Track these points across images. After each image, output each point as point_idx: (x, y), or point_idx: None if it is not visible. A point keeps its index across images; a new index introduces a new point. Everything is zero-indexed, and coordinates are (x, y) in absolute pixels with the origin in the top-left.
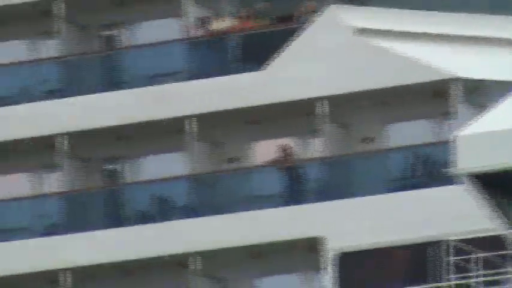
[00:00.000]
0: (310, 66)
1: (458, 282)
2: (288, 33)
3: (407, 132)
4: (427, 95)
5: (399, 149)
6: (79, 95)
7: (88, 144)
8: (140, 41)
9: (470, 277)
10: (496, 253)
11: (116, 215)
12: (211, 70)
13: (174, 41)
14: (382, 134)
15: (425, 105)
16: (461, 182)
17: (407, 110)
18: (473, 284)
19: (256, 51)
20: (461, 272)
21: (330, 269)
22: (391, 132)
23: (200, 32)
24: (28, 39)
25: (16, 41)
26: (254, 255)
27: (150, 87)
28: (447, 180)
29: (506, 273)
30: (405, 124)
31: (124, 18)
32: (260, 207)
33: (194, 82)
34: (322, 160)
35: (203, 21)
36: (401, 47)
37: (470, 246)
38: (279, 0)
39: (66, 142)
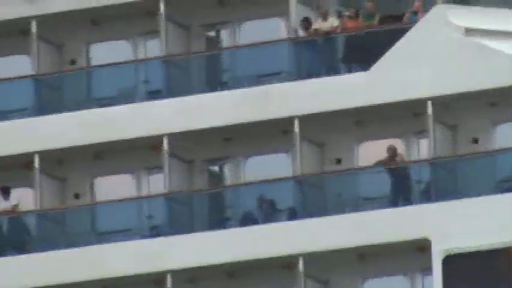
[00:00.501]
0: (417, 67)
1: None
2: (395, 33)
3: None
4: None
5: (507, 150)
6: (182, 95)
7: (192, 146)
8: (243, 41)
9: None
10: None
11: (220, 216)
12: (317, 70)
13: (279, 41)
14: (490, 134)
15: None
16: None
17: None
18: None
19: (362, 52)
20: None
21: (436, 270)
22: (499, 133)
23: (305, 32)
24: (132, 39)
25: (121, 41)
26: (360, 257)
27: (254, 88)
28: None
29: None
30: None
31: (227, 18)
32: (366, 209)
33: (299, 83)
34: (429, 161)
35: (308, 21)
36: (508, 46)
37: None
38: (386, 0)
39: (169, 143)
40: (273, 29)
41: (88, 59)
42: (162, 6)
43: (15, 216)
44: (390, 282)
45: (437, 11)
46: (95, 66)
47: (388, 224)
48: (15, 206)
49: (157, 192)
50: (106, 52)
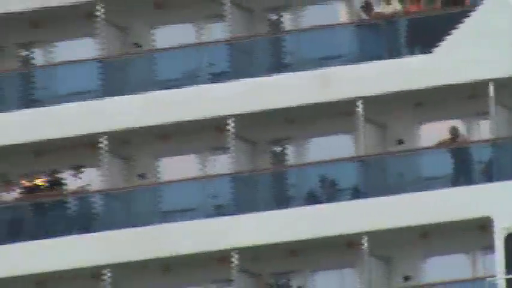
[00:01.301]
0: (478, 49)
1: None
2: (456, 16)
3: None
4: None
5: None
6: (246, 78)
7: (255, 127)
8: (304, 25)
9: None
10: None
11: (283, 196)
12: (380, 53)
13: (342, 24)
14: None
15: None
16: None
17: None
18: None
19: (424, 34)
20: None
21: (498, 248)
22: None
23: (367, 16)
24: (196, 22)
25: (184, 25)
26: (422, 235)
27: (317, 70)
28: None
29: None
30: None
31: (289, 2)
32: (428, 189)
33: (361, 65)
34: (490, 142)
35: (370, 5)
36: None
37: None
38: None
39: (233, 124)
40: (333, 13)
41: (152, 42)
42: None
43: (82, 195)
44: (452, 260)
45: None
46: (159, 49)
47: (450, 203)
48: (85, 186)
49: (222, 172)
50: (170, 35)
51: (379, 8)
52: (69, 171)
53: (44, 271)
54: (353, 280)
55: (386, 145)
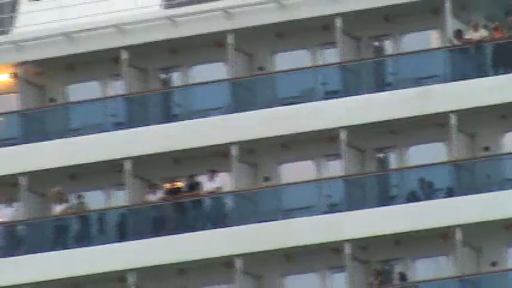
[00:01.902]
0: None
1: None
2: None
3: None
4: None
5: None
6: (355, 95)
7: (363, 137)
8: (404, 50)
9: None
10: None
11: (387, 195)
12: (469, 73)
13: (435, 49)
14: None
15: None
16: None
17: None
18: None
19: (507, 57)
20: None
21: None
22: None
23: (459, 41)
24: (311, 48)
25: (301, 50)
26: (506, 227)
27: (416, 88)
28: None
29: None
30: None
31: (391, 30)
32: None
33: (454, 83)
34: None
35: (460, 32)
36: None
37: None
38: None
39: (344, 135)
40: (426, 39)
41: (274, 65)
42: (338, 21)
43: (216, 196)
44: None
45: None
46: (280, 71)
47: None
48: (219, 187)
49: (335, 175)
50: (289, 59)
51: (468, 35)
52: (205, 176)
53: (185, 260)
54: (447, 266)
55: (475, 151)
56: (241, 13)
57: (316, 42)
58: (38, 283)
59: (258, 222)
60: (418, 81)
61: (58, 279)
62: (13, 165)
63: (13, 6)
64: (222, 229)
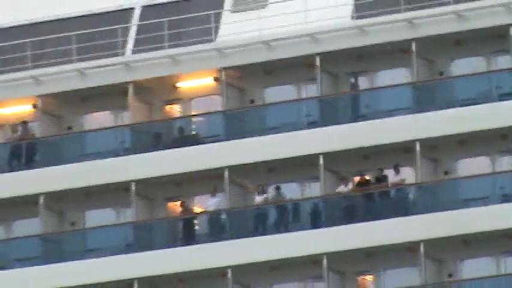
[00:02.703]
0: None
1: None
2: None
3: None
4: None
5: None
6: None
7: None
8: None
9: None
10: None
11: None
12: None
13: None
14: None
15: None
16: None
17: None
18: None
19: None
20: None
21: None
22: None
23: None
24: (485, 56)
25: (476, 57)
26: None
27: None
28: None
29: None
30: None
31: None
32: None
33: None
34: None
35: None
36: None
37: None
38: None
39: None
40: None
41: (451, 70)
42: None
43: (400, 187)
44: None
45: None
46: (458, 75)
47: None
48: (403, 180)
49: (507, 169)
50: (466, 65)
51: None
52: (391, 169)
53: (373, 245)
54: None
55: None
56: (423, 23)
57: (491, 49)
58: (239, 266)
59: (438, 211)
60: None
61: (257, 262)
62: (217, 160)
63: (217, 17)
64: (405, 217)
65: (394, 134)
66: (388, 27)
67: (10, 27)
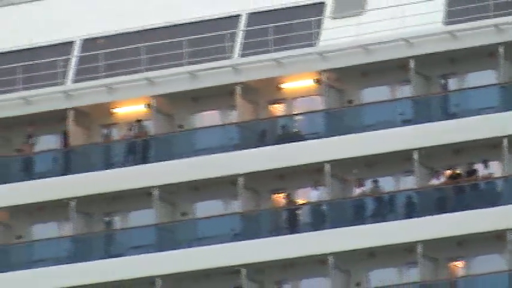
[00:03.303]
0: None
1: None
2: None
3: None
4: None
5: None
6: None
7: None
8: None
9: None
10: None
11: None
12: None
13: None
14: None
15: None
16: None
17: None
18: None
19: None
20: None
21: None
22: None
23: None
24: None
25: None
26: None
27: None
28: None
29: None
30: None
31: None
32: None
33: None
34: None
35: None
36: None
37: None
38: None
39: None
40: None
41: None
42: None
43: (489, 180)
44: None
45: None
46: None
47: None
48: (491, 174)
49: None
50: None
51: None
52: (480, 164)
53: (464, 233)
54: None
55: None
56: (510, 28)
57: None
58: (339, 253)
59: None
60: None
61: (356, 250)
62: (318, 155)
63: (318, 23)
64: (493, 208)
65: (482, 130)
66: (477, 32)
67: (126, 33)
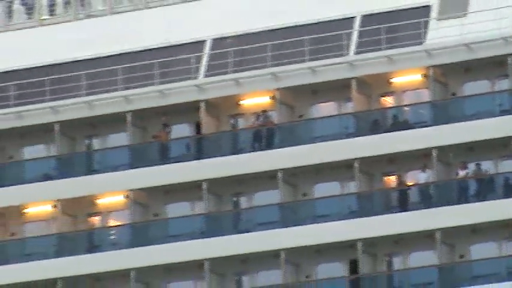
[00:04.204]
0: None
1: None
2: None
3: None
4: None
5: None
6: None
7: None
8: None
9: None
10: None
11: None
12: None
13: None
14: None
15: None
16: None
17: None
18: None
19: None
20: None
21: None
22: None
23: None
24: None
25: None
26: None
27: None
28: None
29: None
30: None
31: None
32: None
33: None
34: None
35: None
36: None
37: None
38: None
39: None
40: None
41: None
42: None
43: None
44: None
45: None
46: None
47: None
48: None
49: None
50: None
51: None
52: None
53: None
54: None
55: None
56: None
57: None
58: (446, 228)
59: None
60: None
61: (460, 226)
62: (426, 142)
63: (425, 24)
64: None
65: None
66: None
67: (253, 33)
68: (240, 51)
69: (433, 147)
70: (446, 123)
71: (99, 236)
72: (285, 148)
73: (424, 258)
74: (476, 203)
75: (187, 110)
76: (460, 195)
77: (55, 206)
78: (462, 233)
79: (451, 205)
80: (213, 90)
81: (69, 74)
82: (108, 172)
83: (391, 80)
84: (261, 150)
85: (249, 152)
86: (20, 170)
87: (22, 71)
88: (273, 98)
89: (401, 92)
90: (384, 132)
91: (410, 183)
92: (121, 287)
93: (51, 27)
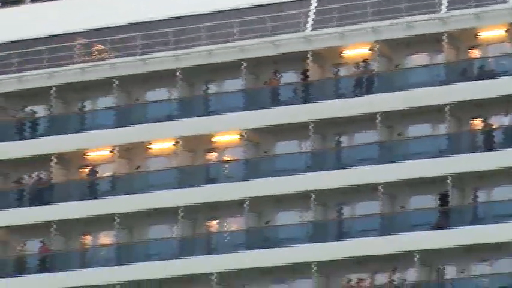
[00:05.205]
0: None
1: None
2: None
3: None
4: None
5: None
6: None
7: None
8: None
9: None
10: None
11: None
12: None
13: None
14: None
15: None
16: None
17: None
18: None
19: None
20: None
21: None
22: None
23: None
24: None
25: None
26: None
27: None
28: None
29: None
30: None
31: None
32: None
33: None
34: None
35: None
36: None
37: None
38: None
39: None
40: None
41: None
42: None
43: None
44: None
45: None
46: None
47: None
48: None
49: None
50: None
51: None
52: None
53: None
54: None
55: None
56: None
57: None
58: None
59: None
60: None
61: None
62: (509, 89)
63: None
64: None
65: None
66: None
67: None
68: (344, 7)
69: None
70: None
71: (215, 170)
72: (383, 94)
73: (507, 192)
74: None
75: (295, 59)
76: None
77: (176, 143)
78: None
79: None
80: (318, 42)
81: (190, 26)
82: (224, 114)
83: (478, 35)
84: (361, 95)
85: (351, 97)
86: (145, 111)
87: (147, 23)
88: (372, 49)
89: (487, 45)
90: (471, 80)
91: (495, 126)
92: (234, 216)
93: None
